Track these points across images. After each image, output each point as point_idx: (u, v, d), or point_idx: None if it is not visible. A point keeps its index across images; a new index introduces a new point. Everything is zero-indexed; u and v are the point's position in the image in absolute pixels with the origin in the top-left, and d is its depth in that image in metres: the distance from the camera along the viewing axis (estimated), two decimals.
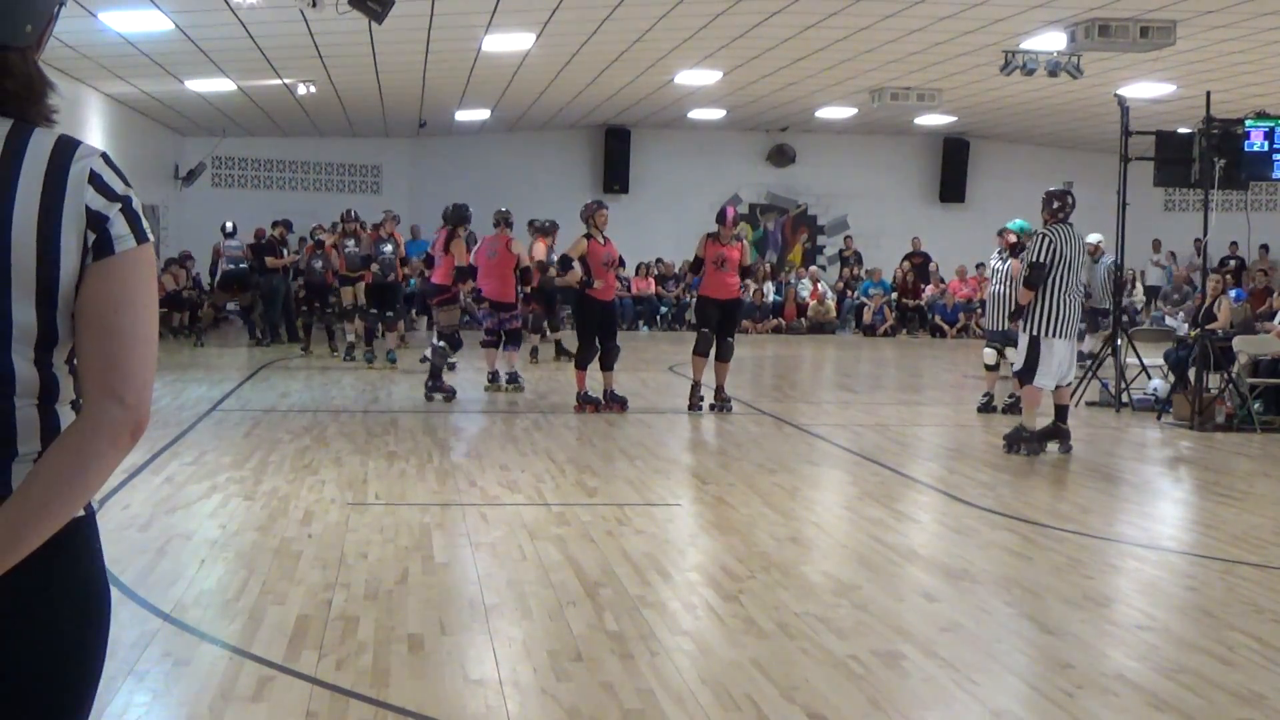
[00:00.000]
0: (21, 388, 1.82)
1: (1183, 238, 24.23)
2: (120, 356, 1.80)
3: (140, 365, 1.82)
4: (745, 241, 12.51)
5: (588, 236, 11.82)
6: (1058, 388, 9.84)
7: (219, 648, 4.78)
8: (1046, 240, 9.62)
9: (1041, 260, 9.57)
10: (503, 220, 13.31)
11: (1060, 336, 9.62)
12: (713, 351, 11.93)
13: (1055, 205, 9.78)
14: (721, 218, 11.96)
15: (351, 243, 16.49)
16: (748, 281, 12.52)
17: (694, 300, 12.89)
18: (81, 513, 1.85)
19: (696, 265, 12.06)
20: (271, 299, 19.52)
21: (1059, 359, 9.67)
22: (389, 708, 4.20)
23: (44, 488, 1.76)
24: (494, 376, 13.46)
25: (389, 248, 15.65)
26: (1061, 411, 9.92)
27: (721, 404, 12.03)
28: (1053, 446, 9.91)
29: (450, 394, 12.54)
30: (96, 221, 1.82)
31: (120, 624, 4.88)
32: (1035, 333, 9.65)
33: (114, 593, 5.34)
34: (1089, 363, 12.99)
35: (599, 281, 11.66)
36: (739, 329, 24.12)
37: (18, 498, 1.75)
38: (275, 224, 20.18)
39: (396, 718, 4.14)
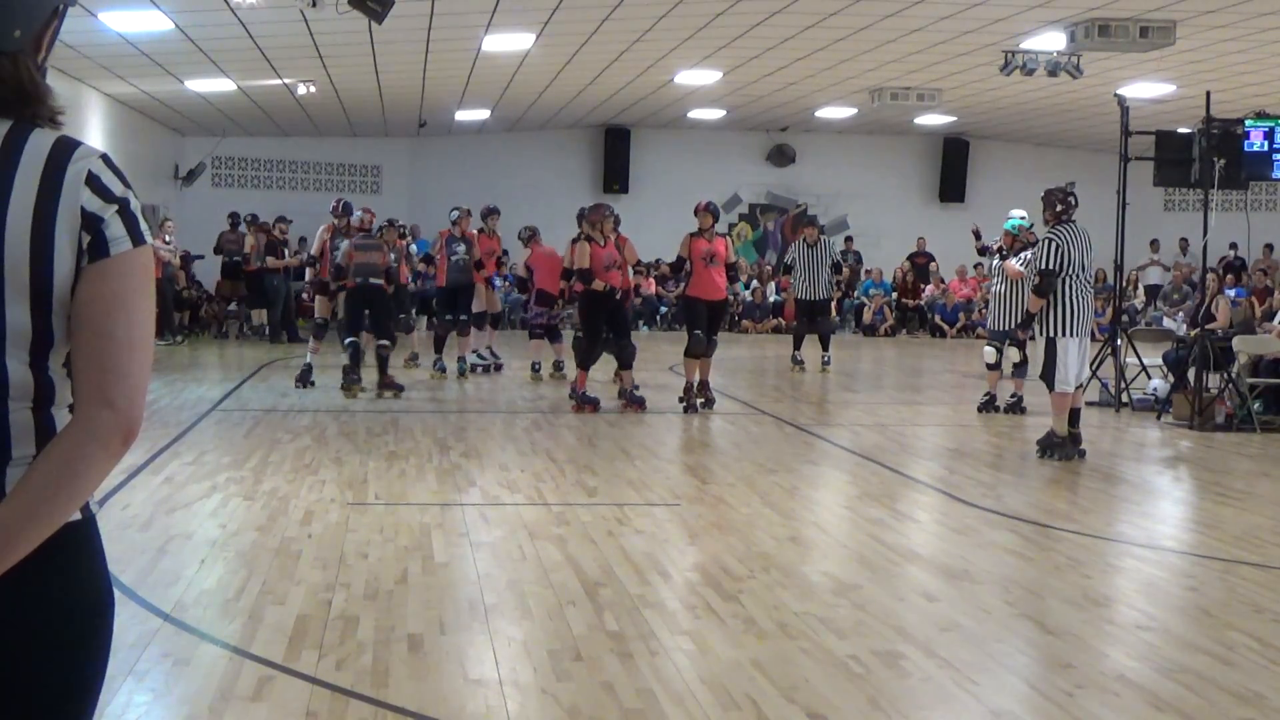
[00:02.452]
0: (16, 391, 1.81)
1: (1181, 238, 24.25)
2: (113, 360, 1.79)
3: (133, 369, 1.80)
4: (729, 237, 12.60)
5: (587, 239, 11.99)
6: (1079, 388, 9.75)
7: (219, 648, 4.78)
8: (1054, 244, 9.52)
9: (1051, 266, 9.48)
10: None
11: (1074, 335, 9.54)
12: None
13: (1059, 207, 9.68)
14: (697, 208, 12.16)
15: (345, 244, 13.24)
16: (735, 287, 12.52)
17: (680, 301, 12.92)
18: (79, 516, 1.83)
19: (679, 266, 12.14)
20: (274, 298, 19.56)
21: (1075, 359, 9.60)
22: (389, 708, 4.20)
23: (36, 492, 1.75)
24: (537, 367, 14.22)
25: (461, 247, 14.10)
26: (1073, 415, 9.73)
27: (706, 400, 12.08)
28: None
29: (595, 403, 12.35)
30: (91, 223, 1.80)
31: (120, 624, 4.84)
32: (1051, 334, 9.56)
33: (114, 593, 5.36)
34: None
35: (599, 283, 11.86)
36: (739, 329, 24.22)
37: (10, 502, 1.74)
38: (276, 221, 20.21)
39: (396, 718, 4.14)
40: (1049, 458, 9.59)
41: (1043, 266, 9.54)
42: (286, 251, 20.06)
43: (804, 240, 16.07)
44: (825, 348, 16.04)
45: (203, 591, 5.58)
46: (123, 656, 4.52)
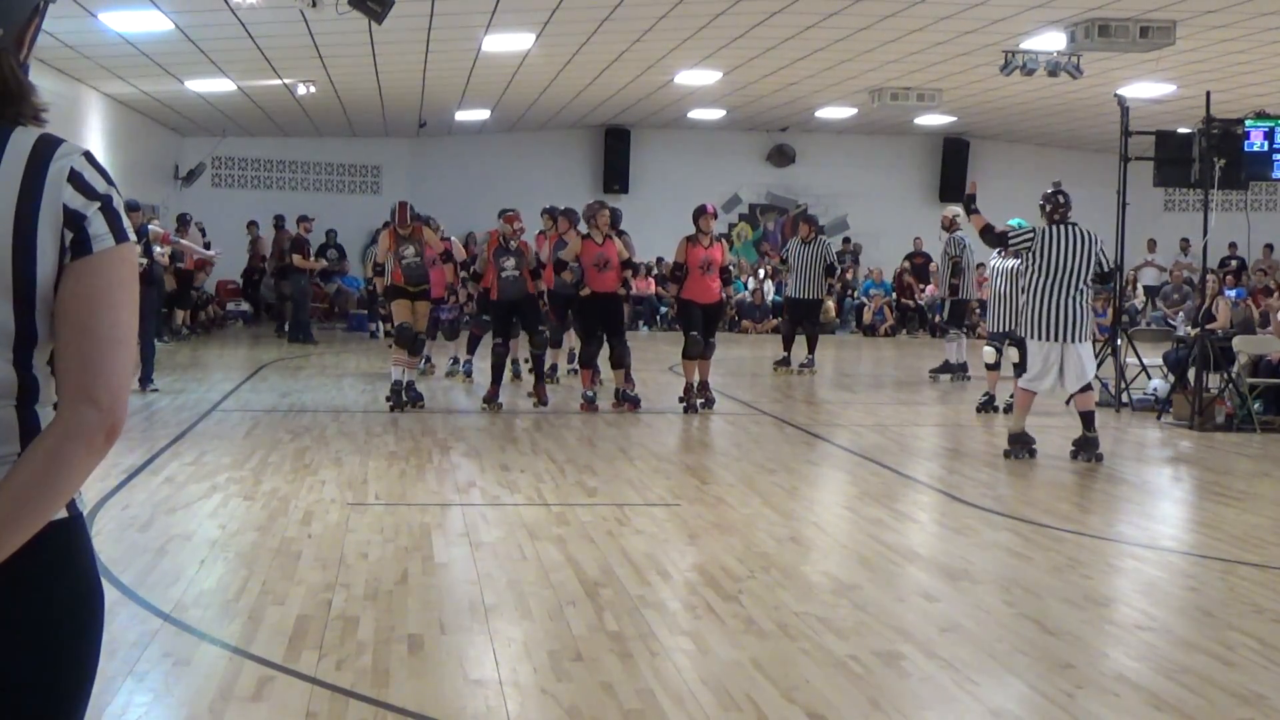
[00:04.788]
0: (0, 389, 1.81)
1: (1182, 237, 24.26)
2: (96, 358, 1.78)
3: (116, 367, 1.79)
4: (724, 242, 12.61)
5: (585, 236, 12.01)
6: (1082, 392, 9.56)
7: (219, 648, 4.78)
8: (1030, 232, 9.42)
9: (1005, 236, 9.50)
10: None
11: (1040, 338, 9.35)
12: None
13: (1047, 208, 9.52)
14: (701, 211, 12.11)
15: (411, 250, 12.03)
16: (728, 290, 12.52)
17: (675, 303, 12.87)
18: (65, 514, 1.83)
19: (677, 271, 12.14)
20: (301, 299, 19.54)
21: (1044, 361, 9.38)
22: (389, 708, 4.20)
23: (19, 491, 1.74)
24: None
25: (511, 262, 12.89)
26: (1084, 419, 9.57)
27: (706, 400, 12.08)
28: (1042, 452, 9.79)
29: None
30: (74, 220, 1.80)
31: (120, 624, 4.88)
32: (1023, 334, 9.61)
33: (114, 593, 5.37)
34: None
35: (585, 288, 11.84)
36: (739, 329, 24.22)
37: None
38: (300, 220, 20.14)
39: (396, 718, 4.14)
40: (1011, 457, 9.53)
41: (1002, 230, 9.63)
42: (311, 250, 19.98)
43: (799, 238, 15.77)
44: (811, 349, 15.77)
45: (203, 591, 5.58)
46: (123, 656, 4.52)
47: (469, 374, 14.25)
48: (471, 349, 14.40)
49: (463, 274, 13.85)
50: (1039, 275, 9.35)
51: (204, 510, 7.31)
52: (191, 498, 7.63)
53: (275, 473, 8.47)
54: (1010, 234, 9.59)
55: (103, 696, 4.04)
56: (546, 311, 12.92)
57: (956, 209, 14.52)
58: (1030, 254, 9.40)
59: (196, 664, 4.59)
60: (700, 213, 12.13)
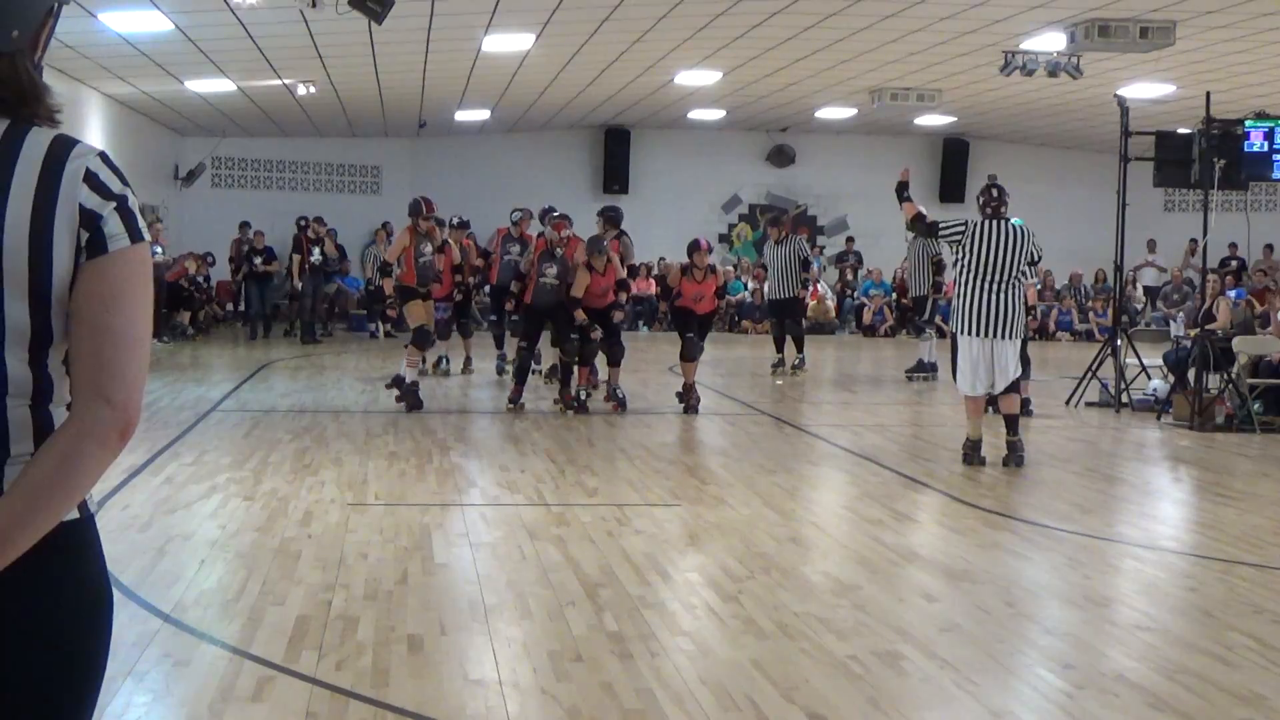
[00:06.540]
0: (14, 388, 1.81)
1: (1183, 238, 24.25)
2: (110, 357, 1.79)
3: (131, 366, 1.80)
4: (716, 273, 12.65)
5: (589, 269, 11.69)
6: (1006, 393, 9.30)
7: (219, 648, 4.78)
8: (961, 225, 9.22)
9: (936, 226, 9.42)
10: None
11: (969, 334, 9.14)
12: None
13: (980, 200, 9.37)
14: (695, 247, 12.14)
15: (429, 248, 12.30)
16: (719, 303, 12.65)
17: (670, 311, 13.06)
18: (76, 514, 1.83)
19: (666, 292, 12.21)
20: (307, 299, 19.52)
21: (971, 361, 9.16)
22: (389, 708, 4.20)
23: (33, 489, 1.74)
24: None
25: (516, 248, 13.77)
26: (1008, 423, 9.36)
27: (690, 405, 12.02)
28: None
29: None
30: (90, 220, 1.81)
31: (120, 624, 4.87)
32: (953, 329, 9.45)
33: (114, 593, 5.36)
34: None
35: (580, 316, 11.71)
36: (739, 329, 24.22)
37: (8, 499, 1.74)
38: (313, 220, 20.06)
39: (396, 718, 4.14)
40: (965, 464, 9.32)
41: (935, 220, 9.51)
42: (319, 250, 19.94)
43: (771, 240, 15.81)
44: (799, 349, 15.76)
45: (203, 592, 5.58)
46: (123, 656, 4.52)
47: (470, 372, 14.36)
48: (499, 345, 14.66)
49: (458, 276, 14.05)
50: (968, 270, 9.14)
51: (204, 510, 7.31)
52: (191, 498, 7.63)
53: (275, 473, 8.47)
54: (940, 224, 9.44)
55: (103, 697, 4.02)
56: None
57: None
58: (960, 247, 9.18)
59: (196, 664, 4.59)
60: (694, 248, 12.17)
